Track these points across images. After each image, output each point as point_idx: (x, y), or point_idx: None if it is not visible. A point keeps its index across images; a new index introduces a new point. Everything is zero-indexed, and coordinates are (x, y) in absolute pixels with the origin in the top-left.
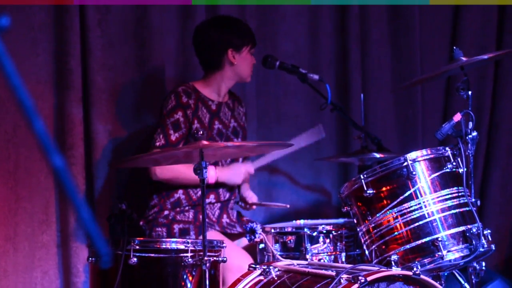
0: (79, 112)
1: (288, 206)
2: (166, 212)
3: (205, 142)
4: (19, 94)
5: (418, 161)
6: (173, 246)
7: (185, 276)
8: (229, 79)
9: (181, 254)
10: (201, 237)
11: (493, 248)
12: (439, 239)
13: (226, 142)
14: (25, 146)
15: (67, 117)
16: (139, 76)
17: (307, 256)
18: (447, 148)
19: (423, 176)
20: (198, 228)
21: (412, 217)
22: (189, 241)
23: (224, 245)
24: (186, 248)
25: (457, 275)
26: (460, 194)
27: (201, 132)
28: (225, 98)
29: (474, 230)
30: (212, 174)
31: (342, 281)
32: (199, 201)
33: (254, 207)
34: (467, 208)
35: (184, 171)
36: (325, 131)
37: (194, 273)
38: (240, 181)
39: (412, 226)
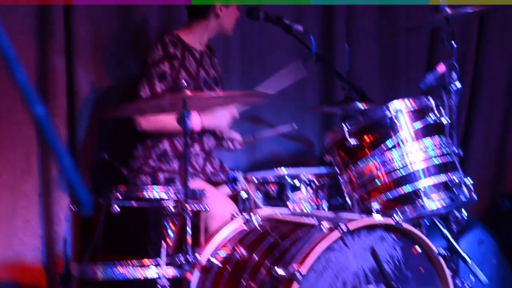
0: (62, 63)
1: (294, 126)
2: (151, 162)
3: (188, 92)
4: (1, 44)
5: (401, 111)
6: (156, 195)
7: (167, 225)
8: (212, 29)
9: (163, 203)
10: (184, 186)
11: (474, 197)
12: (421, 188)
13: (210, 91)
14: (7, 96)
15: (50, 67)
16: (122, 27)
17: (289, 205)
18: (430, 99)
19: (405, 126)
20: (182, 176)
21: (394, 166)
22: (171, 189)
23: (206, 194)
24: (168, 197)
25: (438, 223)
26: (442, 144)
27: (185, 83)
28: (204, 48)
29: (456, 179)
30: (197, 121)
31: (323, 229)
32: (184, 150)
33: (239, 147)
34: (450, 158)
35: (170, 122)
36: (310, 82)
37: (176, 222)
38: (226, 127)
39: (394, 175)
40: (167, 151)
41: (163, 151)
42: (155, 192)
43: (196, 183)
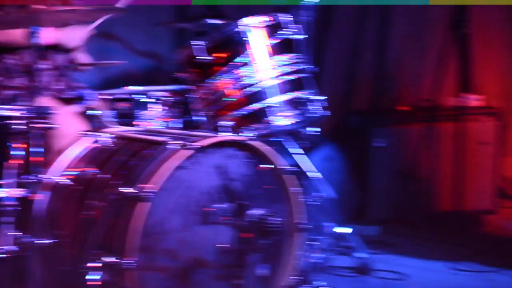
0: None
1: (125, 62)
2: None
3: (37, 6)
4: None
5: (254, 27)
6: (1, 112)
7: (13, 144)
8: None
9: (10, 121)
10: (31, 104)
11: (326, 114)
12: (273, 104)
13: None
14: None
15: None
16: None
17: (141, 123)
18: (284, 14)
19: (259, 42)
20: (29, 94)
21: (247, 83)
22: (18, 107)
23: (55, 111)
24: (15, 114)
25: (288, 140)
26: (296, 60)
27: None
28: None
29: (308, 96)
30: (50, 35)
31: (174, 147)
32: (31, 66)
33: (89, 67)
34: (302, 75)
35: (19, 36)
36: None
37: (23, 141)
38: (79, 43)
39: (246, 92)
40: (11, 66)
41: (7, 66)
42: (1, 110)
43: (43, 101)
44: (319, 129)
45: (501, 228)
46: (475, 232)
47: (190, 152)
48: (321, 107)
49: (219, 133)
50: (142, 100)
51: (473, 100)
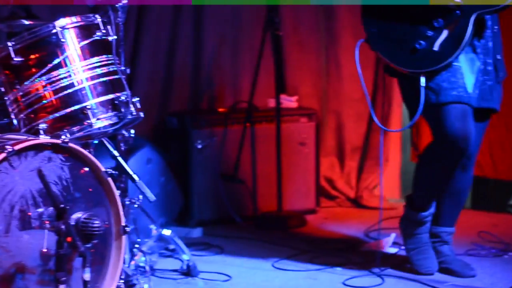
0: None
1: None
2: None
3: None
4: None
5: (68, 29)
6: None
7: None
8: None
9: None
10: None
11: (142, 115)
12: (88, 107)
13: None
14: None
15: None
16: None
17: None
18: (97, 16)
19: (72, 43)
20: None
21: (61, 85)
22: None
23: None
24: None
25: (106, 142)
26: (109, 62)
27: None
28: None
29: (123, 97)
30: None
31: None
32: None
33: None
34: (116, 76)
35: None
36: None
37: None
38: None
39: (61, 94)
40: None
41: None
42: None
43: None
44: (133, 131)
45: (322, 227)
46: (297, 231)
47: (5, 155)
48: (135, 109)
49: (37, 135)
50: None
51: (290, 102)
